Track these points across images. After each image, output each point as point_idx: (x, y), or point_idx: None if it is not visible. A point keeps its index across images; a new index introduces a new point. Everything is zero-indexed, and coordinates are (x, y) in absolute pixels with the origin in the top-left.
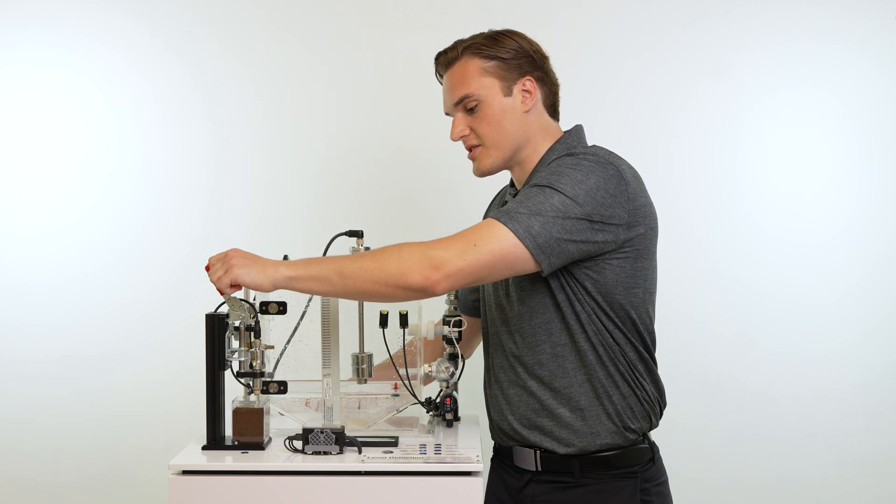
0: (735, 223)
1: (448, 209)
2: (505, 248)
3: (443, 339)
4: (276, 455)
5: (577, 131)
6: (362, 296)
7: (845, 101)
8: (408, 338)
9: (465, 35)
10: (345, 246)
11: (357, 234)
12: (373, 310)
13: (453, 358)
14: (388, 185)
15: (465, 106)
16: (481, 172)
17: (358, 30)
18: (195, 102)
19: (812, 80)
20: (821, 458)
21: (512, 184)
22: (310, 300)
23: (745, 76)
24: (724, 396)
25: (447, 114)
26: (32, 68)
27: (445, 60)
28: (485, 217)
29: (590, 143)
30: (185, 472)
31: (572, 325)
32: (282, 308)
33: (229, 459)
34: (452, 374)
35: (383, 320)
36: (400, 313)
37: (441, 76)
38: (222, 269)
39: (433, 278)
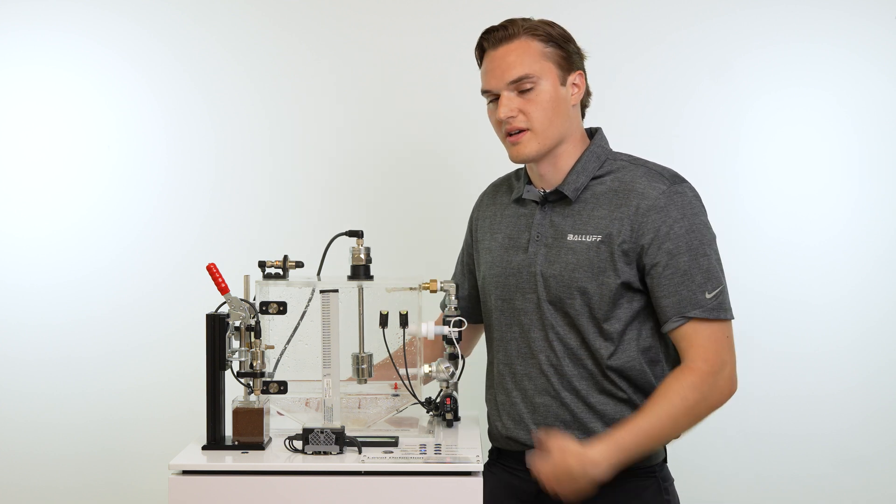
0: (735, 223)
1: (447, 208)
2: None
3: (443, 339)
4: (276, 455)
5: (603, 137)
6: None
7: (845, 101)
8: (407, 337)
9: (466, 35)
10: (344, 245)
11: (357, 234)
12: (373, 310)
13: (453, 358)
14: (388, 184)
15: (519, 86)
16: (522, 158)
17: (358, 30)
18: (195, 102)
19: (812, 81)
20: (820, 457)
21: (528, 180)
22: (310, 300)
23: (745, 76)
24: None
25: (487, 91)
26: (33, 69)
27: (500, 37)
28: (474, 222)
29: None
30: (185, 472)
31: (630, 346)
32: (282, 308)
33: (229, 459)
34: (452, 374)
35: (383, 320)
36: (400, 313)
37: (483, 52)
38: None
39: (730, 389)
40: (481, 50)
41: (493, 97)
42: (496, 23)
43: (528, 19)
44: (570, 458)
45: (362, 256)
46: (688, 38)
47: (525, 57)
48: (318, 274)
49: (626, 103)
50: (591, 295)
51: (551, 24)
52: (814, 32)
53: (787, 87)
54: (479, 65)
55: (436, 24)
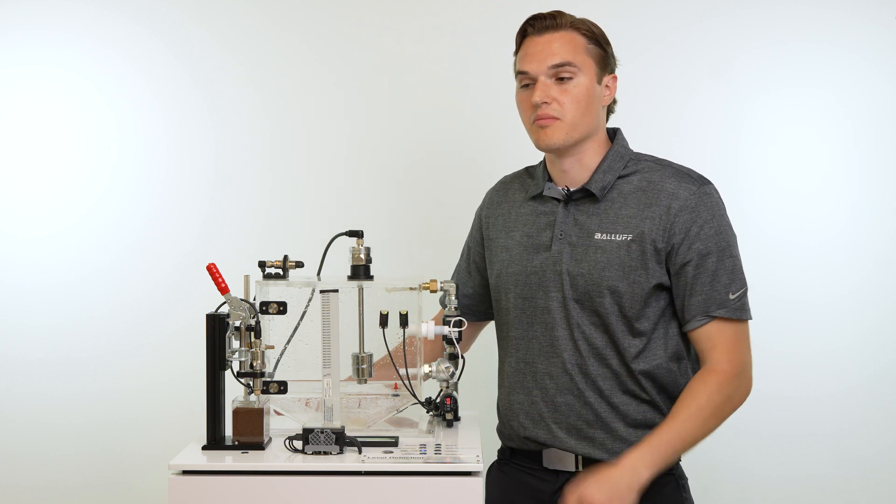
0: (735, 223)
1: (447, 207)
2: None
3: (443, 339)
4: (276, 455)
5: (624, 138)
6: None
7: (845, 101)
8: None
9: (466, 35)
10: (344, 245)
11: (357, 234)
12: (373, 310)
13: (453, 358)
14: (389, 184)
15: (559, 73)
16: (548, 146)
17: (358, 30)
18: (195, 102)
19: (812, 81)
20: (820, 457)
21: (548, 177)
22: (310, 300)
23: (745, 76)
24: None
25: (524, 74)
26: (33, 69)
27: (546, 24)
28: (483, 220)
29: None
30: (185, 472)
31: (658, 345)
32: (282, 308)
33: (229, 459)
34: (452, 374)
35: (383, 320)
36: (400, 313)
37: (524, 37)
38: None
39: (749, 390)
40: (522, 35)
41: (528, 82)
42: (495, 22)
43: (572, 15)
44: (614, 471)
45: (362, 256)
46: (688, 38)
47: (569, 47)
48: (318, 274)
49: (626, 103)
50: (621, 294)
51: (594, 24)
52: (814, 32)
53: (787, 87)
54: (517, 50)
55: (436, 24)
